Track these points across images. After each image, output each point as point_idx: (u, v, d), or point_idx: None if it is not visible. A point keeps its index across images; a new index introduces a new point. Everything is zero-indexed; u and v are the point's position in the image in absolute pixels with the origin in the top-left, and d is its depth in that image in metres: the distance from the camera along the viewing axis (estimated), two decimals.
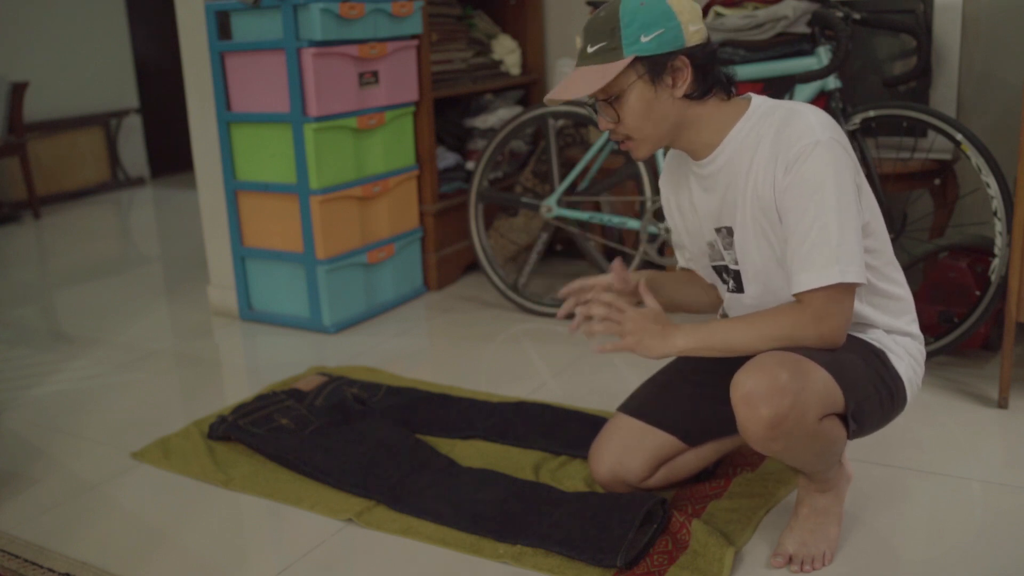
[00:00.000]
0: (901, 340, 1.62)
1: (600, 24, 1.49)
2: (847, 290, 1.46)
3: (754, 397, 1.41)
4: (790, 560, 1.64)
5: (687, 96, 1.51)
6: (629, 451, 1.81)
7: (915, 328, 1.64)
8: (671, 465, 1.84)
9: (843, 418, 1.55)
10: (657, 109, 1.51)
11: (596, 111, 1.57)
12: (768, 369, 1.42)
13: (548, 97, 1.54)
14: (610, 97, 1.51)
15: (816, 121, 1.47)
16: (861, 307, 1.58)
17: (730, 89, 1.57)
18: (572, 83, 1.50)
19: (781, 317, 1.50)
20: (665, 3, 1.47)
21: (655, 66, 1.48)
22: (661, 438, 1.80)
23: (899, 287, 1.62)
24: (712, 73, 1.52)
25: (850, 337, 1.58)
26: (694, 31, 1.48)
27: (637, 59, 1.47)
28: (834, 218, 1.43)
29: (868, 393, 1.54)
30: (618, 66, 1.47)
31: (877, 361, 1.57)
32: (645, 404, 1.85)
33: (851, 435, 1.57)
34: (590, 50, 1.50)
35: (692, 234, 1.71)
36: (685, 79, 1.49)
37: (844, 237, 1.43)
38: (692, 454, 1.85)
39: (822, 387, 1.46)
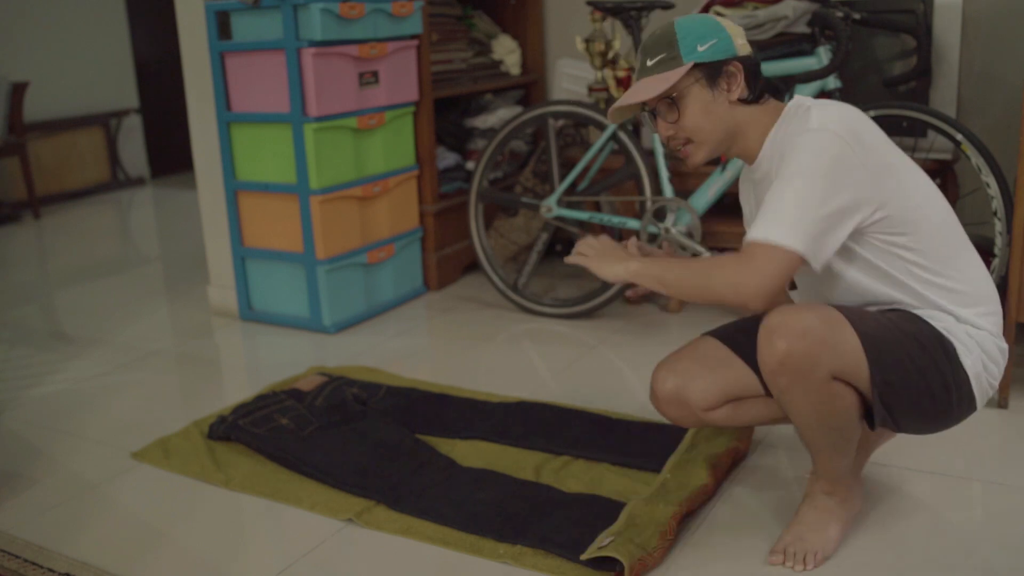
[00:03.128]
0: (973, 332, 1.56)
1: (658, 40, 1.61)
2: (777, 253, 1.45)
3: (776, 329, 1.47)
4: (785, 556, 1.64)
5: (740, 100, 1.61)
6: (703, 372, 1.72)
7: (987, 322, 1.57)
8: (738, 405, 1.75)
9: (870, 415, 1.55)
10: (714, 112, 1.60)
11: (653, 118, 1.65)
12: (800, 312, 1.48)
13: (615, 107, 1.65)
14: (671, 100, 1.61)
15: (816, 116, 1.51)
16: (921, 288, 1.55)
17: (780, 95, 1.65)
18: (637, 90, 1.61)
19: (717, 260, 1.53)
20: (714, 20, 1.62)
21: (711, 71, 1.59)
22: (740, 371, 1.72)
23: (959, 283, 1.56)
24: (758, 80, 1.62)
25: (917, 319, 1.55)
26: (741, 44, 1.61)
27: (695, 65, 1.58)
28: (790, 190, 1.46)
29: (910, 378, 1.51)
30: (678, 72, 1.58)
31: (939, 349, 1.52)
32: (737, 333, 1.78)
33: (881, 421, 1.54)
34: (650, 63, 1.62)
35: None
36: (739, 83, 1.60)
37: (794, 209, 1.45)
38: (763, 404, 1.75)
39: (845, 348, 1.47)
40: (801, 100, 1.60)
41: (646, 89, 1.60)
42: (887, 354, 1.49)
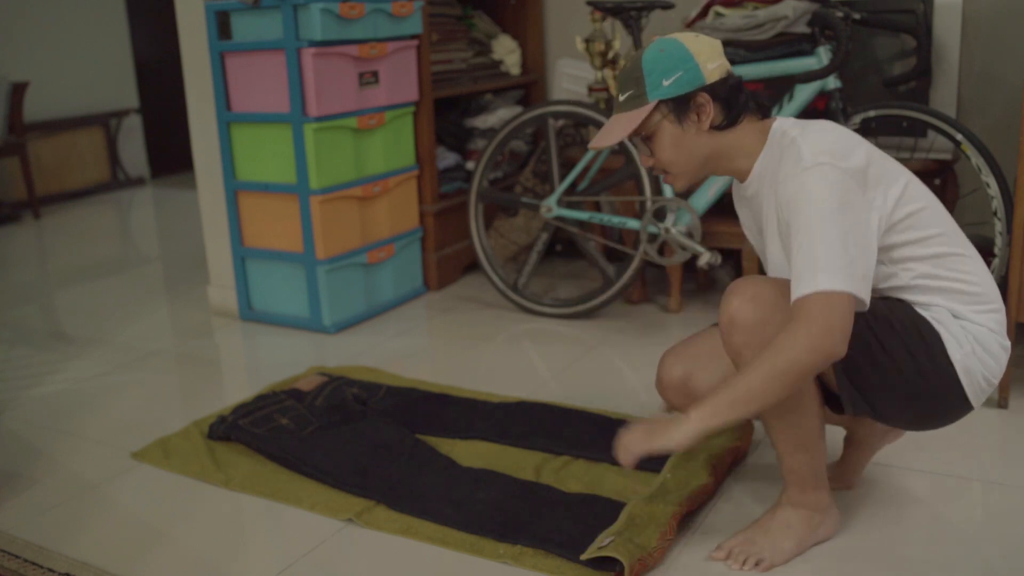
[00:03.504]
0: (969, 327, 1.54)
1: (628, 74, 1.62)
2: (834, 298, 1.43)
3: (734, 290, 1.56)
4: (729, 554, 1.65)
5: (715, 127, 1.60)
6: (709, 362, 1.73)
7: (987, 319, 1.56)
8: None
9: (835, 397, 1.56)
10: (686, 144, 1.61)
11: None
12: (759, 278, 1.58)
13: (591, 145, 1.67)
14: (644, 137, 1.64)
15: (807, 150, 1.50)
16: (921, 292, 1.55)
17: (762, 112, 1.63)
18: (609, 130, 1.64)
19: (776, 341, 1.46)
20: (683, 47, 1.58)
21: (678, 106, 1.59)
22: None
23: (959, 283, 1.55)
24: (737, 103, 1.60)
25: (900, 305, 1.54)
26: (713, 68, 1.58)
27: (661, 102, 1.59)
28: (817, 233, 1.44)
29: (876, 357, 1.51)
30: (644, 111, 1.59)
31: (915, 334, 1.51)
32: None
33: (851, 402, 1.55)
34: (622, 98, 1.63)
35: (761, 249, 1.74)
36: (709, 113, 1.59)
37: (827, 250, 1.43)
38: None
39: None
40: (783, 127, 1.58)
41: (615, 131, 1.62)
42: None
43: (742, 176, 1.64)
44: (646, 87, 1.58)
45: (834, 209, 1.45)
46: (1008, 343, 1.59)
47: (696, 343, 1.78)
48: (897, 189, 1.53)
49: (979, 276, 1.58)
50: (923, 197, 1.56)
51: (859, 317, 1.50)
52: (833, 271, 1.42)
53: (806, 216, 1.46)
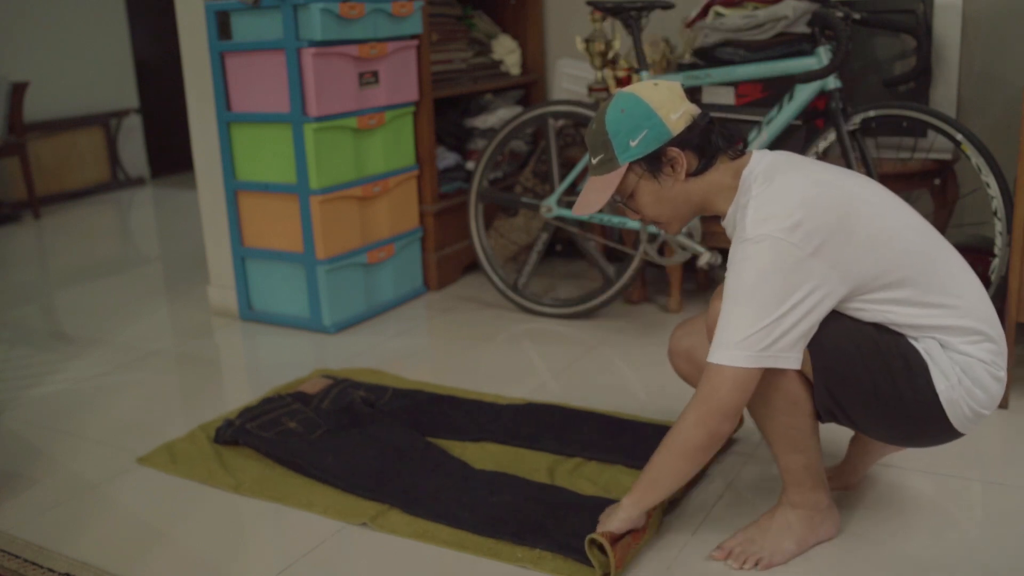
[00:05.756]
0: (958, 358, 1.51)
1: (594, 138, 1.63)
2: (725, 374, 1.47)
3: (719, 293, 1.57)
4: (729, 554, 1.66)
5: (692, 174, 1.60)
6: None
7: (978, 349, 1.52)
8: None
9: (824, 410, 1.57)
10: (667, 196, 1.62)
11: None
12: None
13: (574, 211, 1.69)
14: (624, 198, 1.66)
15: (752, 218, 1.49)
16: (910, 330, 1.53)
17: (734, 147, 1.61)
18: (587, 197, 1.66)
19: (677, 421, 1.54)
20: (643, 103, 1.58)
21: (651, 163, 1.60)
22: None
23: (947, 319, 1.51)
24: (710, 145, 1.59)
25: (890, 330, 1.53)
26: (677, 118, 1.57)
27: (632, 163, 1.60)
28: (736, 307, 1.47)
29: (856, 373, 1.51)
30: (617, 175, 1.61)
31: (899, 359, 1.50)
32: None
33: (825, 409, 1.56)
34: (594, 162, 1.65)
35: None
36: (682, 164, 1.59)
37: (737, 323, 1.46)
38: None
39: None
40: (750, 178, 1.55)
41: (594, 198, 1.63)
42: (831, 340, 1.50)
43: (721, 216, 1.64)
44: (615, 150, 1.59)
45: (761, 282, 1.45)
46: (1003, 374, 1.54)
47: (703, 319, 1.83)
48: (861, 241, 1.48)
49: (966, 310, 1.52)
50: (906, 224, 1.52)
51: (845, 337, 1.51)
52: (733, 345, 1.46)
53: (731, 287, 1.49)
